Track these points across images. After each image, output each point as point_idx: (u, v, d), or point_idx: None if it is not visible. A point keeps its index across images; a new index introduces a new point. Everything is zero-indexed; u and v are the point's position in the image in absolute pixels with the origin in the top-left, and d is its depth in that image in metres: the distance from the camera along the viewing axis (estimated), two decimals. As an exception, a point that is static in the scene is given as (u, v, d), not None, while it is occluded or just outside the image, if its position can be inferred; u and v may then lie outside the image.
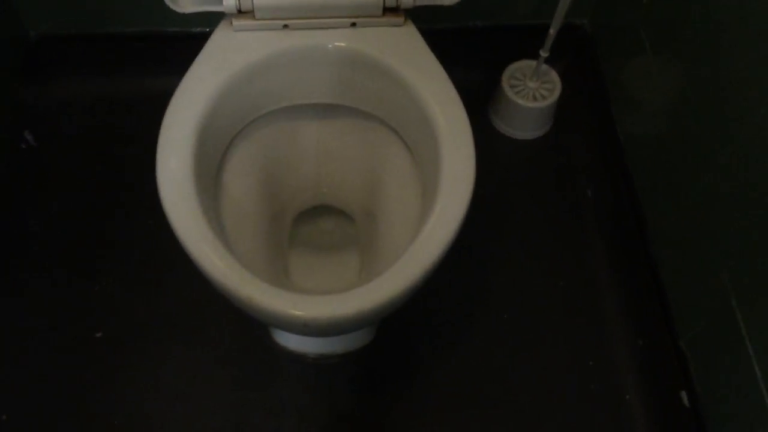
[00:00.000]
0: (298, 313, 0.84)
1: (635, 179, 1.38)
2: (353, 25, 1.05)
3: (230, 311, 1.23)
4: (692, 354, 1.20)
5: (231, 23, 1.04)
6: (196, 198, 0.91)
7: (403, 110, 1.05)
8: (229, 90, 1.01)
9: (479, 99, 1.53)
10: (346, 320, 0.85)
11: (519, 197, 1.45)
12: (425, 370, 1.27)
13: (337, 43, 1.04)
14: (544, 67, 1.46)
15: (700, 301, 1.16)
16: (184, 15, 1.06)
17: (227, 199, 1.07)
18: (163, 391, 1.24)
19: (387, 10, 1.05)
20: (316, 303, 0.85)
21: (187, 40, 1.40)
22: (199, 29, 1.49)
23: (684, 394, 1.22)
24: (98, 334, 1.28)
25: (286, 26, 1.04)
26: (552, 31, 1.33)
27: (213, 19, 1.06)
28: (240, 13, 1.03)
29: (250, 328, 1.28)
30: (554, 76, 1.48)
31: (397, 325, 1.29)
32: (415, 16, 1.07)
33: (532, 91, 1.46)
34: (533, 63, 1.45)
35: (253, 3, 1.02)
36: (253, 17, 1.03)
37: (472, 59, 1.57)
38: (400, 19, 1.06)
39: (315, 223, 1.28)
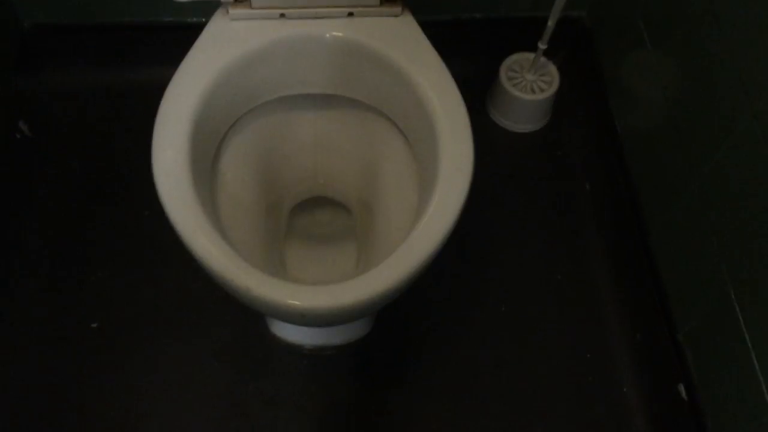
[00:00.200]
0: (296, 303, 0.84)
1: (633, 172, 1.38)
2: (350, 14, 1.04)
3: (227, 302, 1.22)
4: (690, 347, 1.20)
5: (227, 12, 1.03)
6: (192, 189, 0.91)
7: (401, 101, 1.05)
8: (225, 80, 1.01)
9: (477, 91, 1.53)
10: (344, 310, 0.85)
11: (516, 190, 1.45)
12: (422, 362, 1.27)
13: (334, 33, 1.04)
14: (542, 59, 1.45)
15: (698, 294, 1.16)
16: (179, 4, 1.06)
17: (223, 190, 1.06)
18: (159, 381, 1.23)
19: (384, 0, 1.04)
20: (315, 293, 0.85)
21: (182, 31, 1.39)
22: (194, 20, 1.48)
23: (682, 387, 1.22)
24: (94, 325, 1.27)
25: (282, 15, 1.03)
26: (550, 24, 1.32)
27: (208, 10, 1.06)
28: (236, 1, 1.03)
29: (247, 319, 1.27)
30: (552, 68, 1.47)
31: (394, 317, 1.29)
32: (413, 6, 1.07)
33: (530, 83, 1.46)
34: (531, 55, 1.45)
35: (250, -9, 1.01)
36: (250, 6, 1.03)
37: (469, 51, 1.56)
38: (398, 9, 1.05)
39: (312, 214, 1.27)
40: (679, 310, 1.23)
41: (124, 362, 1.24)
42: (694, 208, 1.16)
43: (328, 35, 1.04)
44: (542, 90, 1.46)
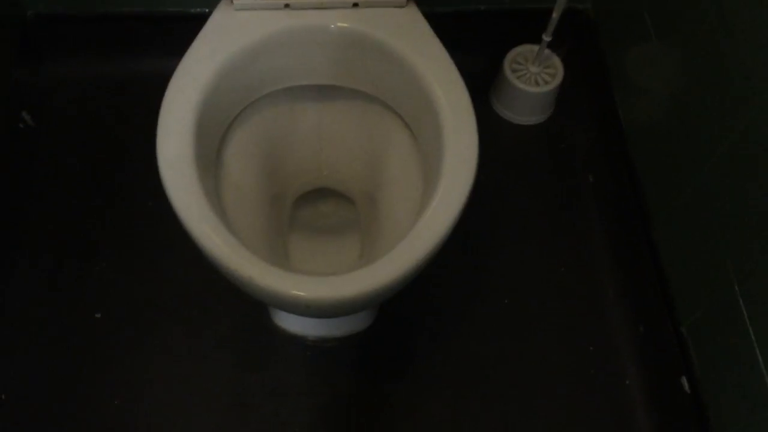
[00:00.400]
0: (300, 293, 0.84)
1: (637, 165, 1.38)
2: (355, 5, 1.04)
3: (231, 293, 1.23)
4: (693, 340, 1.20)
5: (232, 2, 1.03)
6: (196, 179, 0.91)
7: (406, 92, 1.04)
8: (229, 70, 1.00)
9: (481, 83, 1.52)
10: (348, 301, 0.85)
11: (520, 182, 1.45)
12: (425, 354, 1.27)
13: (339, 24, 1.03)
14: (547, 51, 1.45)
15: (702, 287, 1.16)
16: (184, -6, 1.05)
17: (227, 180, 1.06)
18: (162, 371, 1.23)
19: (389, -9, 1.04)
20: (319, 284, 0.85)
21: (186, 21, 1.39)
22: (198, 10, 1.48)
23: (684, 380, 1.22)
24: (97, 315, 1.27)
25: (287, 6, 1.03)
26: (555, 15, 1.32)
27: (212, 0, 1.05)
28: (241, -9, 1.02)
29: (250, 310, 1.27)
30: (556, 60, 1.47)
31: (397, 309, 1.29)
32: (418, -3, 1.07)
33: (534, 75, 1.45)
34: (535, 47, 1.45)
35: (255, -19, 1.01)
36: (255, -5, 1.02)
37: (474, 43, 1.56)
38: (403, 0, 1.04)
39: (315, 206, 1.27)
40: (682, 303, 1.23)
41: (127, 352, 1.25)
42: (697, 200, 1.16)
43: (332, 26, 1.04)
44: (546, 82, 1.45)
